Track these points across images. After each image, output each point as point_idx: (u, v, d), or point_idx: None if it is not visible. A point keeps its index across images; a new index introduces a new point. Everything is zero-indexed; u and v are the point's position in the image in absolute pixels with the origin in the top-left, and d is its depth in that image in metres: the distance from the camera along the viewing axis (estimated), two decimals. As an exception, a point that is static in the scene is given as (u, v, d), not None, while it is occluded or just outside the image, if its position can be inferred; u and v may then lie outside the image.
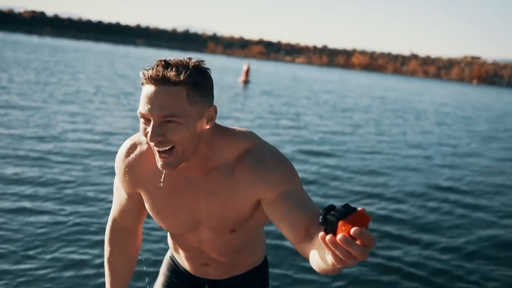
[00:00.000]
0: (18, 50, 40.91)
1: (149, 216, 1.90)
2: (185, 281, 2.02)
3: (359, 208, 1.03)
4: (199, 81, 1.46)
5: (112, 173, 6.57)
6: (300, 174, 1.84)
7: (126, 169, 1.72)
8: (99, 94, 17.58)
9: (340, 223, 1.01)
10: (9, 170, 6.93)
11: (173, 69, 1.42)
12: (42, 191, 6.27)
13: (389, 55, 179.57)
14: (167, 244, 2.81)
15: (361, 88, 42.17)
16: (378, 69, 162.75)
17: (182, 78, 1.42)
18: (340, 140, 12.52)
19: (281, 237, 5.29)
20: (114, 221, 1.92)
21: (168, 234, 1.99)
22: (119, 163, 1.75)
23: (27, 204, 5.75)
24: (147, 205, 1.77)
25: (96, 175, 7.21)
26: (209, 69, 1.53)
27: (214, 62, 66.40)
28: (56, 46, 61.51)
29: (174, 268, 2.07)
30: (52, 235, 4.97)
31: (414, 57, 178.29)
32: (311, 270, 4.40)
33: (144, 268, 4.17)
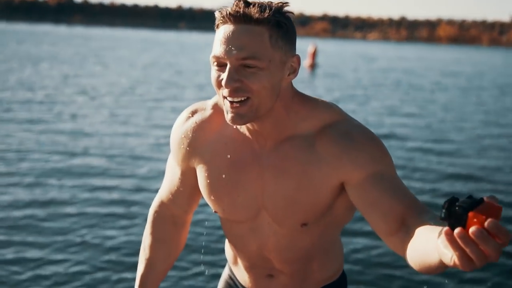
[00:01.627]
0: (46, 42, 41.85)
1: (210, 227, 1.84)
2: None
3: (486, 198, 1.00)
4: (283, 23, 1.47)
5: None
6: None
7: (184, 136, 1.72)
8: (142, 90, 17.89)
9: (470, 214, 0.97)
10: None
11: (256, 6, 1.44)
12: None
13: (483, 24, 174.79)
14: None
15: (451, 65, 41.00)
16: (471, 41, 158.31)
17: (265, 15, 1.43)
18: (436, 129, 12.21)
19: (361, 249, 5.25)
20: (161, 205, 1.91)
21: (226, 242, 1.95)
22: (176, 130, 1.76)
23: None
24: (201, 182, 1.74)
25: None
26: (292, 13, 1.53)
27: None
28: (88, 35, 62.65)
29: (232, 286, 2.01)
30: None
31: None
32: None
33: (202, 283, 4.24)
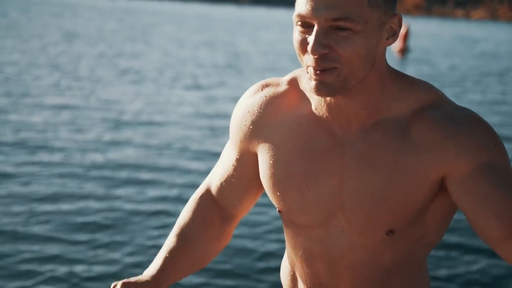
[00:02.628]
0: (83, 16, 42.55)
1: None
2: None
3: None
4: None
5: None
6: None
7: (249, 111, 1.67)
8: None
9: None
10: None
11: None
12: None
13: None
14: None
15: None
16: None
17: None
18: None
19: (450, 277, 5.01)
20: (206, 190, 1.83)
21: (284, 259, 1.87)
22: (240, 105, 1.72)
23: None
24: (264, 171, 1.66)
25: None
26: None
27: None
28: (132, 9, 63.29)
29: None
30: None
31: None
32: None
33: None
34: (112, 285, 1.59)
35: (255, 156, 1.68)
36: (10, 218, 5.90)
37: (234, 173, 1.74)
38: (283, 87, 1.64)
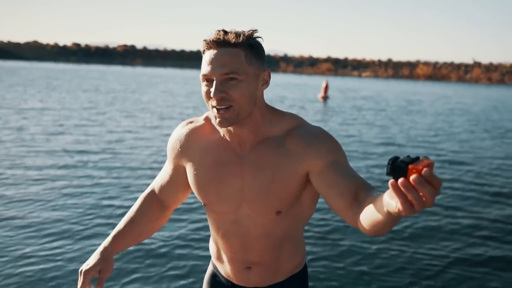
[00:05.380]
0: (115, 80, 41.55)
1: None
2: None
3: (421, 156, 1.00)
4: (254, 45, 1.46)
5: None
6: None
7: (179, 139, 1.64)
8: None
9: (410, 167, 0.98)
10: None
11: (232, 33, 1.43)
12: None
13: (452, 65, 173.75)
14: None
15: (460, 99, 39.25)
16: (442, 79, 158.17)
17: (240, 40, 1.42)
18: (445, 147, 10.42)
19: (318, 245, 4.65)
20: (151, 190, 1.75)
21: (211, 239, 1.78)
22: (173, 135, 1.67)
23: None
24: (191, 179, 1.62)
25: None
26: (261, 38, 1.50)
27: (286, 80, 65.58)
28: (146, 74, 63.04)
29: (216, 280, 1.81)
30: None
31: (477, 65, 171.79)
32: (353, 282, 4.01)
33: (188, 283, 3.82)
34: (79, 284, 1.49)
35: (184, 168, 1.65)
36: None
37: (169, 179, 1.69)
38: (201, 122, 1.64)
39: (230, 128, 1.52)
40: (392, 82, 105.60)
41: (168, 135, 11.45)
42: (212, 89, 1.42)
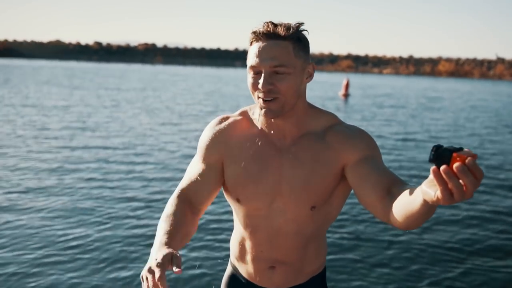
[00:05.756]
0: (135, 78, 41.87)
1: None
2: None
3: (465, 148, 1.00)
4: (302, 38, 1.48)
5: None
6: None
7: (216, 134, 1.60)
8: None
9: (454, 155, 0.98)
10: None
11: (282, 26, 1.44)
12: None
13: (475, 61, 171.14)
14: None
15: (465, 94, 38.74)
16: (465, 75, 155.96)
17: (289, 33, 1.44)
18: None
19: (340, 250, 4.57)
20: (181, 192, 1.61)
21: (233, 238, 1.75)
22: (208, 130, 1.63)
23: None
24: (229, 175, 1.59)
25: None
26: (307, 31, 1.51)
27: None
28: (166, 71, 63.33)
29: (237, 281, 1.77)
30: None
31: (501, 61, 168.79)
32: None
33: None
34: (145, 275, 1.24)
35: (220, 166, 1.60)
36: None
37: (202, 179, 1.60)
38: (238, 117, 1.63)
39: (272, 120, 1.52)
40: (413, 79, 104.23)
41: (189, 131, 11.63)
42: (261, 81, 1.43)
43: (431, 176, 1.01)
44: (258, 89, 1.44)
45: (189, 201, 1.61)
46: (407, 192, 1.27)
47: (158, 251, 1.30)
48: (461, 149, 1.00)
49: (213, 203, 5.49)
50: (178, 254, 1.28)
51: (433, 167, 1.00)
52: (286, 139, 1.56)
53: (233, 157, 1.59)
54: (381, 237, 4.86)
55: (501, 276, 4.10)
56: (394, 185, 1.40)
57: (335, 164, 1.53)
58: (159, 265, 1.21)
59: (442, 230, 5.15)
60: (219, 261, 4.15)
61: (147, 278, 1.21)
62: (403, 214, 1.27)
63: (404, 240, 4.82)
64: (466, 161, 0.96)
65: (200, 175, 1.61)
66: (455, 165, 0.97)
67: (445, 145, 1.01)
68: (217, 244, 4.55)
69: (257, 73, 1.45)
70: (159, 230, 1.47)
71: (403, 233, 4.98)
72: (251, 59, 1.45)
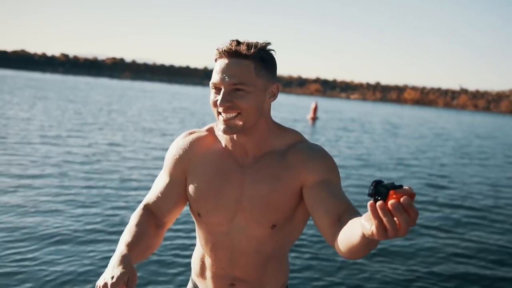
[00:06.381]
0: (102, 93, 41.40)
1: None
2: None
3: (405, 186, 1.02)
4: (265, 58, 1.49)
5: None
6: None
7: (181, 149, 1.64)
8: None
9: (391, 192, 1.00)
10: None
11: (244, 45, 1.46)
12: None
13: (439, 90, 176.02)
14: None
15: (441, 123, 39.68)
16: (429, 104, 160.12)
17: (251, 52, 1.45)
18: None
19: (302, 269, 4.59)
20: (145, 205, 1.64)
21: (194, 254, 1.76)
22: (175, 144, 1.67)
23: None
24: (192, 187, 1.61)
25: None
26: (274, 50, 1.53)
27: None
28: (133, 87, 62.91)
29: None
30: None
31: (464, 91, 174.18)
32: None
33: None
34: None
35: (184, 179, 1.63)
36: None
37: (167, 191, 1.63)
38: (204, 132, 1.66)
39: (234, 137, 1.55)
40: (379, 105, 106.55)
41: (152, 149, 11.51)
42: (219, 98, 1.45)
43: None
44: (217, 105, 1.46)
45: (153, 214, 1.63)
46: (352, 222, 1.28)
47: (116, 267, 1.33)
48: (400, 186, 1.01)
49: (178, 219, 5.45)
50: (134, 276, 1.32)
51: (370, 201, 1.02)
52: (248, 157, 1.58)
53: (196, 171, 1.61)
54: (343, 258, 4.89)
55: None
56: (346, 213, 1.41)
57: (294, 183, 1.54)
58: (113, 285, 1.26)
59: (401, 256, 5.21)
60: (180, 278, 4.10)
61: None
62: (345, 243, 1.30)
63: (366, 262, 4.87)
64: (402, 199, 0.98)
65: (165, 188, 1.63)
66: (390, 202, 0.98)
67: (385, 181, 1.03)
68: (179, 260, 4.51)
69: (218, 90, 1.48)
70: (121, 241, 1.47)
71: (384, 254, 5.02)
72: (213, 76, 1.48)
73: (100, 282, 1.29)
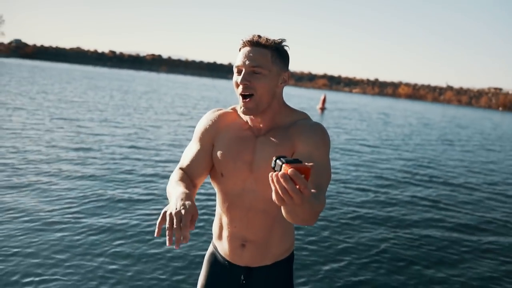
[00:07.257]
0: (144, 83, 41.40)
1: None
2: (224, 271, 1.75)
3: (307, 163, 1.03)
4: (280, 49, 1.54)
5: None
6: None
7: (210, 121, 1.67)
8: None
9: (284, 165, 1.00)
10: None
11: (264, 38, 1.52)
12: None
13: (428, 87, 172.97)
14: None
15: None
16: (420, 98, 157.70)
17: (268, 43, 1.51)
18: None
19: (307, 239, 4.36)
20: (180, 167, 1.66)
21: (215, 219, 1.76)
22: (204, 118, 1.69)
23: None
24: (217, 153, 1.63)
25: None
26: (288, 46, 1.58)
27: (287, 92, 65.66)
28: (170, 79, 62.88)
29: (215, 258, 1.78)
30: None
31: (450, 88, 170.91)
32: (334, 273, 3.74)
33: (189, 263, 3.60)
34: (170, 215, 1.20)
35: (211, 147, 1.65)
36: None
37: (196, 157, 1.64)
38: (228, 110, 1.70)
39: (252, 116, 1.58)
40: (377, 98, 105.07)
41: (183, 127, 11.69)
42: (240, 77, 1.49)
43: None
44: (239, 85, 1.49)
45: (186, 175, 1.63)
46: None
47: (185, 199, 1.28)
48: (298, 161, 1.01)
49: (202, 193, 5.38)
50: (196, 214, 1.24)
51: (270, 173, 1.02)
52: (261, 130, 1.61)
53: (221, 140, 1.63)
54: (350, 226, 4.81)
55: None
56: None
57: (291, 151, 1.55)
58: (186, 214, 1.19)
59: (413, 226, 5.30)
60: (201, 242, 4.00)
61: (171, 219, 1.18)
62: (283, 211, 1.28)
63: (374, 228, 4.83)
64: (289, 171, 0.97)
65: (196, 154, 1.64)
66: (279, 173, 0.98)
67: (288, 157, 1.03)
68: (202, 231, 4.32)
69: (239, 72, 1.51)
70: (174, 189, 1.43)
71: (374, 222, 5.06)
72: (236, 60, 1.52)
73: (171, 209, 1.21)
